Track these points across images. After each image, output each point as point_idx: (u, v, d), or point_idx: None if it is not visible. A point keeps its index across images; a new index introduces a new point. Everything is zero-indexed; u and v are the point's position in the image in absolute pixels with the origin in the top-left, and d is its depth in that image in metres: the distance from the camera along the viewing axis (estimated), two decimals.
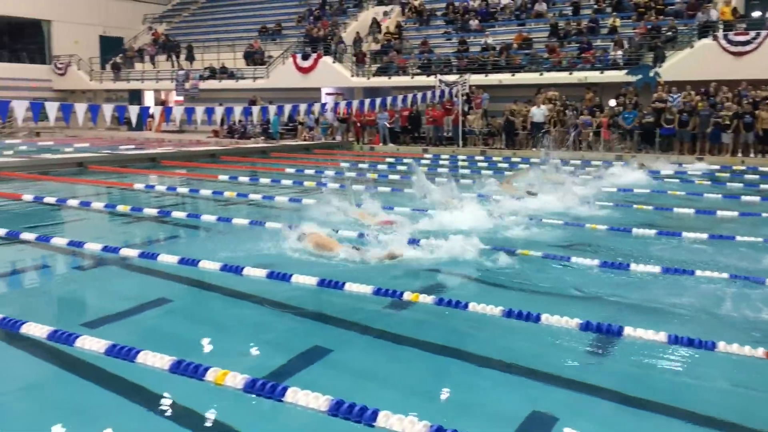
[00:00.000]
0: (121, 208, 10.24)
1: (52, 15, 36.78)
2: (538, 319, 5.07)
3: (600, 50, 23.70)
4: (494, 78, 24.60)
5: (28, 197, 11.28)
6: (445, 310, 5.35)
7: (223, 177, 14.77)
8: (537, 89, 23.25)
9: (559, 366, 4.34)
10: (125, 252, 7.16)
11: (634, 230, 8.60)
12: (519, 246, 7.51)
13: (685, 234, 8.26)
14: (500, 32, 27.87)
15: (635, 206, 10.89)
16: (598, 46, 24.26)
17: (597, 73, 22.88)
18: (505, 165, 18.40)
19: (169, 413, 3.65)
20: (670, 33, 22.94)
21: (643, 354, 4.54)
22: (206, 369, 3.99)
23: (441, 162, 19.13)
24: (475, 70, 24.87)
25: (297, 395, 3.68)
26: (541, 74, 23.81)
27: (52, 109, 14.69)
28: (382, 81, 27.07)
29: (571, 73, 23.32)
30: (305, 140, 25.74)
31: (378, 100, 22.29)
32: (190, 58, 32.97)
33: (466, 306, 5.35)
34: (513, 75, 24.38)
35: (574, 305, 5.59)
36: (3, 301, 5.70)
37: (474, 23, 28.48)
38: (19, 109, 14.14)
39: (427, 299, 5.54)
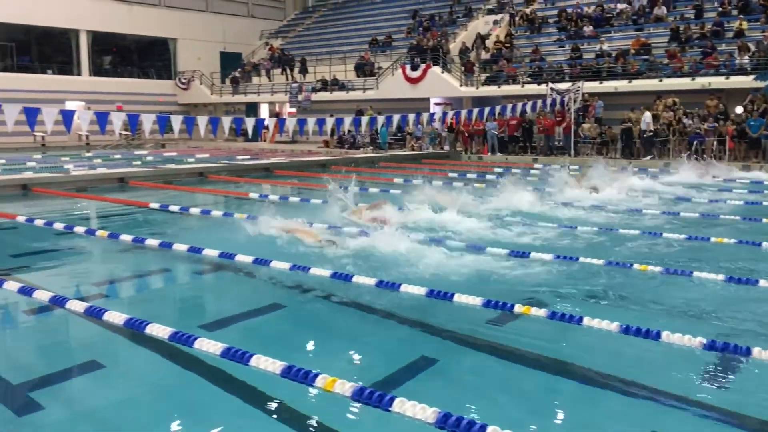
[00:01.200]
0: (237, 216, 10.66)
1: (178, 34, 39.14)
2: (658, 336, 4.79)
3: (725, 55, 22.36)
4: (609, 85, 23.76)
5: (154, 205, 11.98)
6: (557, 323, 5.17)
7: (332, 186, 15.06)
8: (656, 96, 22.25)
9: (679, 386, 4.07)
10: (240, 258, 7.43)
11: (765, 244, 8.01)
12: (634, 259, 7.16)
13: None
14: (616, 38, 26.92)
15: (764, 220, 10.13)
16: (722, 50, 22.90)
17: (722, 79, 21.59)
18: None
19: (278, 416, 3.72)
20: None
21: None
22: (316, 375, 4.05)
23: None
24: (589, 77, 24.12)
25: (404, 405, 3.65)
26: (661, 80, 22.77)
27: (176, 121, 15.57)
28: (491, 90, 26.81)
29: (693, 79, 22.14)
30: (413, 150, 25.88)
31: (486, 110, 22.08)
32: (304, 71, 34.03)
33: (580, 320, 5.15)
34: (630, 82, 23.46)
35: (694, 322, 5.25)
36: (130, 302, 6.05)
37: (588, 29, 27.66)
38: (147, 122, 15.07)
39: (539, 312, 5.38)
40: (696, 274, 6.60)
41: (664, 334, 4.78)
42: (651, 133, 21.10)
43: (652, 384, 4.11)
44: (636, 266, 6.90)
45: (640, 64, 23.82)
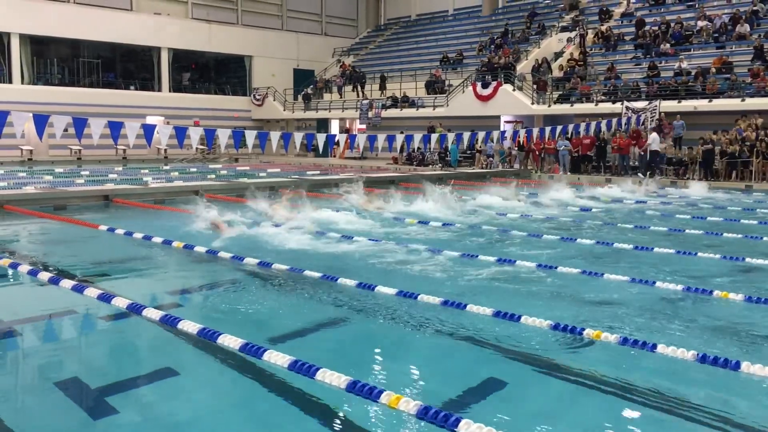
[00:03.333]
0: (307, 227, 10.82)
1: (253, 51, 40.29)
2: (737, 366, 4.58)
3: None
4: (688, 104, 23.01)
5: (229, 218, 12.30)
6: (630, 350, 5.01)
7: (404, 202, 15.14)
8: (740, 116, 21.44)
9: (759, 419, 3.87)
10: (308, 273, 7.53)
11: None
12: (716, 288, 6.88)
13: None
14: (696, 56, 26.10)
15: None
16: None
17: None
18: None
19: (341, 430, 3.73)
20: None
21: None
22: (380, 392, 4.05)
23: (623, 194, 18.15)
24: (666, 95, 23.44)
25: (470, 428, 3.61)
26: (743, 100, 21.91)
27: (250, 137, 15.96)
28: (563, 108, 26.40)
29: None
30: (483, 168, 25.71)
31: (559, 128, 21.75)
32: (383, 87, 34.19)
33: (654, 348, 4.97)
34: (710, 101, 22.65)
35: None
36: (203, 313, 6.21)
37: (666, 47, 26.93)
38: (223, 137, 15.51)
39: (610, 338, 5.22)
40: None
41: (744, 365, 4.56)
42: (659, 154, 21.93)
43: (726, 414, 3.91)
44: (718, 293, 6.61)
45: (721, 83, 23.00)
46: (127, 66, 37.68)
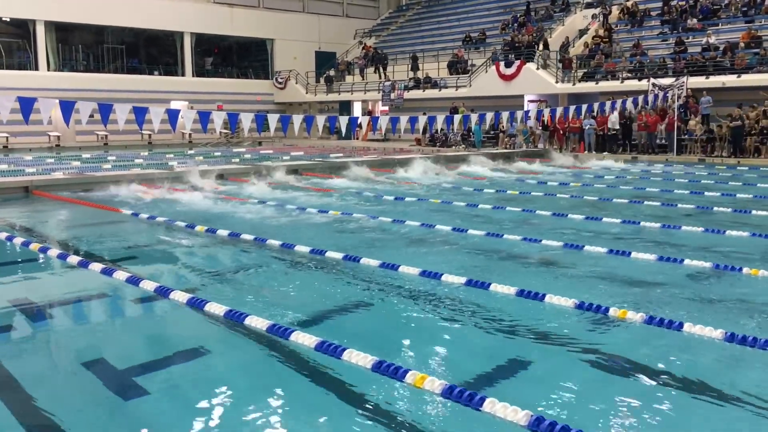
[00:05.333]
0: (332, 213, 10.86)
1: (275, 34, 40.27)
2: (766, 345, 4.52)
3: None
4: (716, 80, 22.58)
5: (253, 201, 12.39)
6: (655, 329, 4.98)
7: (425, 183, 15.13)
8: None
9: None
10: (331, 254, 7.57)
11: None
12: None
13: None
14: (724, 30, 25.55)
15: None
16: None
17: None
18: (728, 174, 16.79)
19: (368, 410, 3.76)
20: None
21: None
22: (406, 371, 4.07)
23: (653, 171, 17.94)
24: (694, 72, 23.01)
25: (495, 406, 3.62)
26: None
27: (273, 120, 16.01)
28: (588, 87, 26.06)
29: None
30: (506, 148, 25.52)
31: (584, 107, 21.48)
32: (415, 68, 33.87)
33: (680, 326, 4.93)
34: (739, 77, 22.19)
35: None
36: (230, 295, 6.28)
37: (693, 22, 26.37)
38: (246, 120, 15.57)
39: (635, 317, 5.19)
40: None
41: None
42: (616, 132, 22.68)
43: (756, 398, 3.87)
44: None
45: (750, 58, 22.49)
46: (151, 51, 37.89)
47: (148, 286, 6.22)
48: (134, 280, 6.41)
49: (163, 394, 4.02)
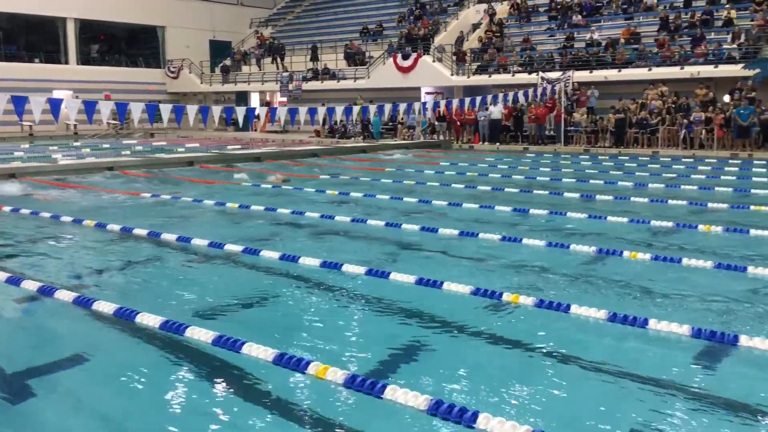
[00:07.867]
0: (229, 205, 10.64)
1: (166, 21, 38.82)
2: (645, 323, 4.83)
3: (714, 44, 22.43)
4: (599, 74, 23.82)
5: (145, 194, 11.94)
6: (547, 312, 5.21)
7: (324, 176, 15.09)
8: (648, 85, 22.37)
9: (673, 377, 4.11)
10: (230, 247, 7.42)
11: None
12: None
13: None
14: (606, 27, 26.98)
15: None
16: (711, 39, 22.99)
17: (711, 68, 21.70)
18: (611, 163, 17.78)
19: (270, 403, 3.73)
20: None
21: None
22: (308, 363, 4.06)
23: (542, 161, 18.71)
24: (579, 66, 24.15)
25: (396, 393, 3.67)
26: (650, 70, 22.86)
27: (165, 111, 15.45)
28: (482, 79, 26.81)
29: (682, 68, 22.25)
30: (405, 140, 25.85)
31: (478, 99, 22.08)
32: (315, 58, 33.46)
33: (568, 308, 5.19)
34: (619, 71, 23.51)
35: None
36: (119, 292, 6.03)
37: (577, 18, 27.67)
38: (136, 111, 14.93)
39: (527, 300, 5.41)
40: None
41: (652, 322, 4.82)
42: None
43: (639, 372, 4.13)
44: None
45: (630, 53, 23.87)
46: (30, 38, 35.57)
47: (31, 286, 5.88)
48: (15, 281, 6.03)
49: (52, 396, 3.83)
